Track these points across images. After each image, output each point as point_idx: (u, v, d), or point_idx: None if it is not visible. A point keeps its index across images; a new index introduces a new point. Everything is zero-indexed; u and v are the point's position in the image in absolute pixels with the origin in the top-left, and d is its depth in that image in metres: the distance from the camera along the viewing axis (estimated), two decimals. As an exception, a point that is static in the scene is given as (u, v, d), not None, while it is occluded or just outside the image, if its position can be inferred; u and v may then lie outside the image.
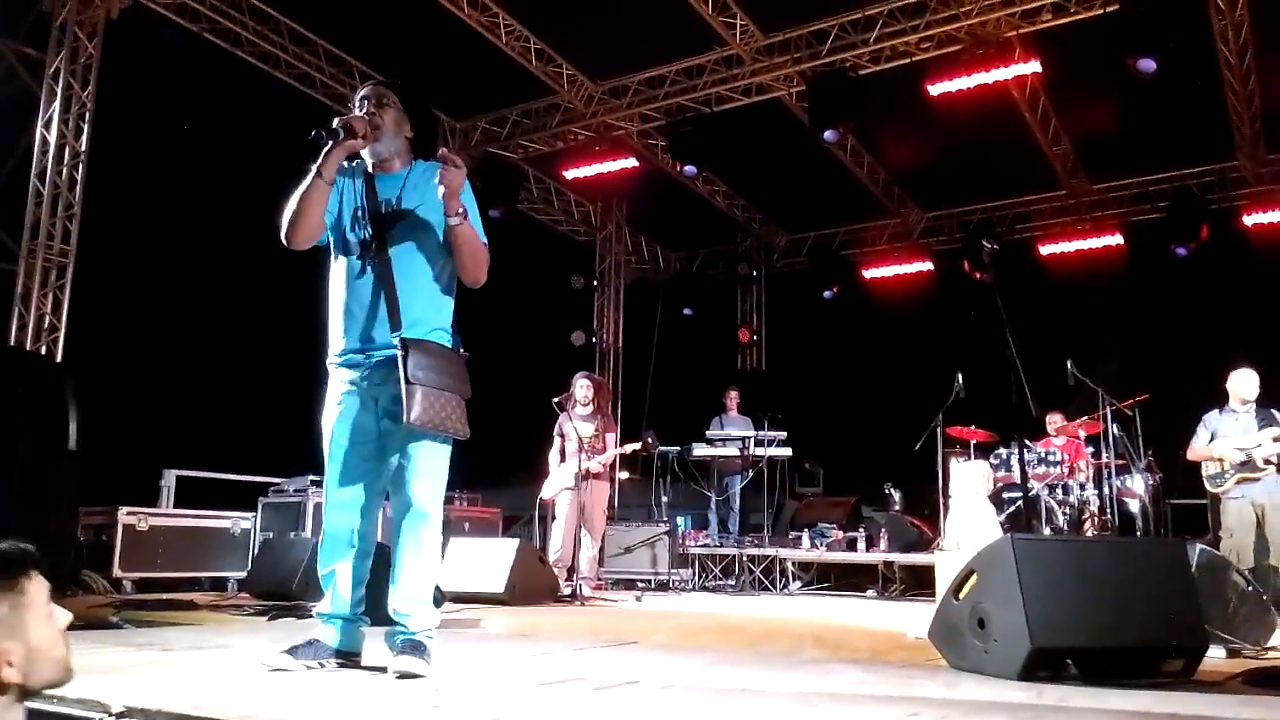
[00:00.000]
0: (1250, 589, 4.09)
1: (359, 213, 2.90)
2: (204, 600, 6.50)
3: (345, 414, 2.83)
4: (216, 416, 9.74)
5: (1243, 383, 6.44)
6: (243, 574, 8.03)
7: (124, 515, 7.63)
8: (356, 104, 2.95)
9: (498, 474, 12.85)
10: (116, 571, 7.47)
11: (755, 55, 9.37)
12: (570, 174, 11.41)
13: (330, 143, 2.73)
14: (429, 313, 2.87)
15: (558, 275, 13.27)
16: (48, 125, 8.25)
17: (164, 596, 6.58)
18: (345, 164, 2.94)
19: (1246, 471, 6.23)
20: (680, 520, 12.27)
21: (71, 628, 1.71)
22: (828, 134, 8.90)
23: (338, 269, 2.94)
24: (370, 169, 2.96)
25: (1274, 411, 6.30)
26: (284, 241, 2.84)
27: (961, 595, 2.94)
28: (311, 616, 3.06)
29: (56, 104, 8.26)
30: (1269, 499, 6.13)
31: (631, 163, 10.85)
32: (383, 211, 2.88)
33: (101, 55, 8.43)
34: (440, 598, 3.20)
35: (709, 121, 9.87)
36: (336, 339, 2.91)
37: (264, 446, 9.24)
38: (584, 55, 9.91)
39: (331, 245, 2.96)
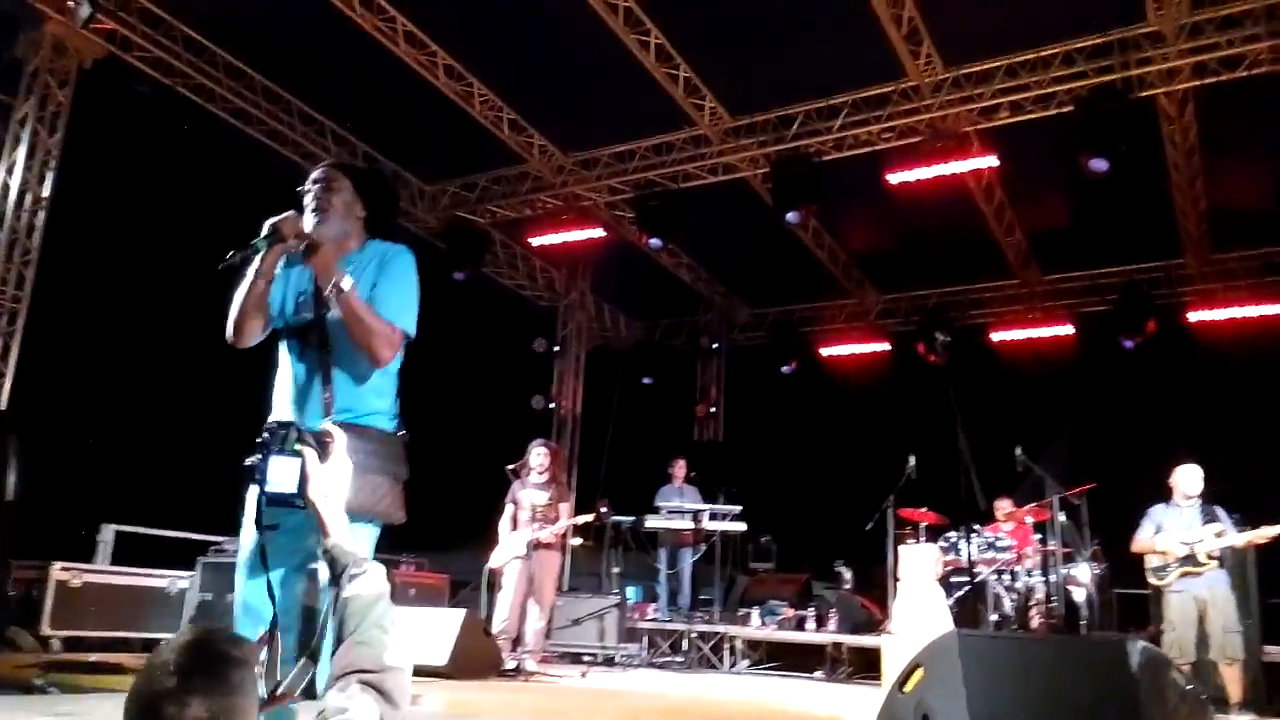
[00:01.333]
0: (1190, 688, 4.11)
1: (301, 297, 2.89)
2: (134, 663, 6.28)
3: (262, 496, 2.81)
4: (160, 471, 9.53)
5: (1187, 478, 6.58)
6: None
7: (57, 571, 7.39)
8: (307, 185, 2.94)
9: (448, 538, 12.66)
10: (46, 629, 7.21)
11: (723, 136, 9.59)
12: (537, 241, 11.51)
13: (262, 249, 2.74)
14: (367, 397, 2.84)
15: (519, 339, 13.29)
16: (10, 171, 8.19)
17: (92, 658, 6.35)
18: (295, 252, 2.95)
19: (1189, 566, 6.33)
20: (630, 591, 12.15)
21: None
22: (790, 215, 9.09)
23: (282, 351, 2.93)
24: None
25: (1216, 508, 6.43)
26: (230, 342, 2.82)
27: (907, 689, 2.93)
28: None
29: (21, 150, 8.21)
30: (1210, 594, 6.23)
31: (598, 232, 10.98)
32: (325, 295, 2.87)
33: (72, 104, 8.42)
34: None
35: (676, 197, 10.05)
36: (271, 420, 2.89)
37: (206, 503, 9.03)
38: (556, 127, 10.08)
39: (280, 333, 2.95)
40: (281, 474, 1.93)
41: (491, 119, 9.66)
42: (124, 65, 8.69)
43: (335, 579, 1.81)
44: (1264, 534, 6.28)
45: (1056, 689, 2.72)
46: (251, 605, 2.77)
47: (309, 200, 2.88)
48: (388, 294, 2.84)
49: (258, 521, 1.96)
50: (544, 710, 4.41)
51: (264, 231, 2.76)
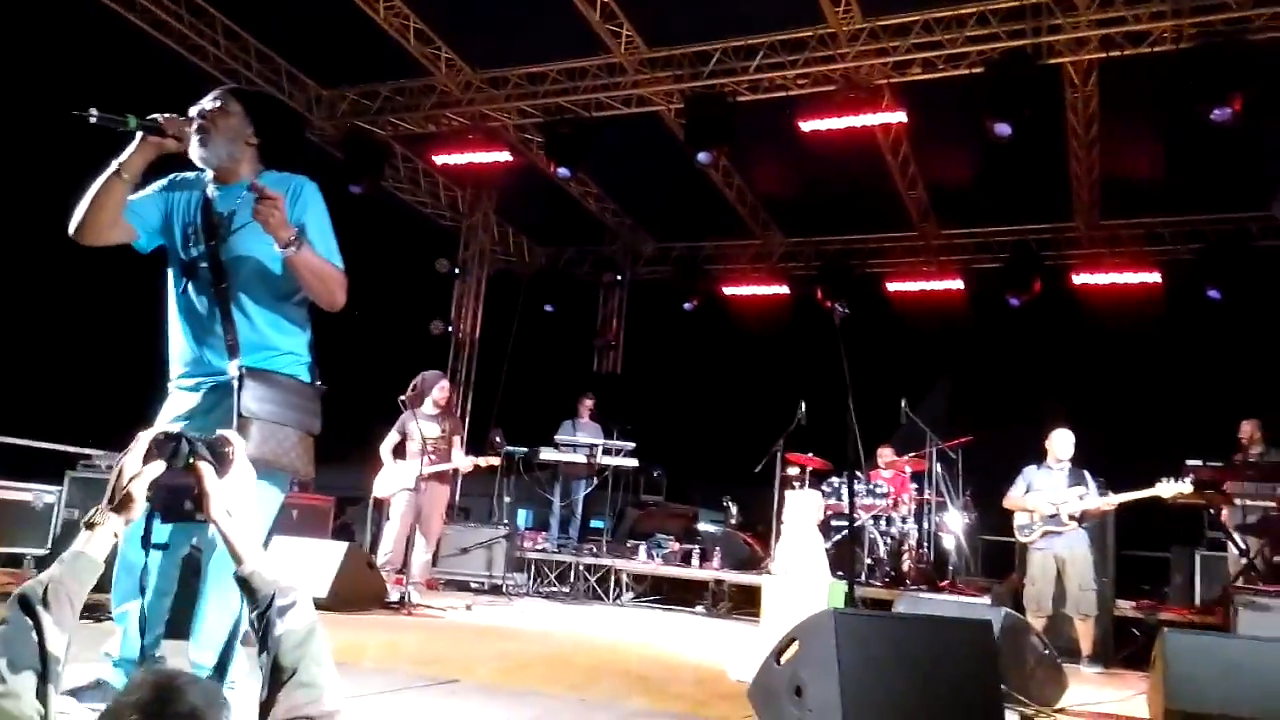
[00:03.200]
0: (1047, 652, 4.38)
1: (190, 228, 2.71)
2: (-8, 584, 6.00)
3: None
4: (26, 378, 9.03)
5: (1060, 442, 6.88)
6: (42, 551, 7.47)
7: (-91, 482, 6.97)
8: (196, 106, 2.74)
9: (335, 452, 12.41)
10: (-103, 544, 6.83)
11: (638, 67, 9.37)
12: (440, 159, 11.15)
13: (138, 135, 2.52)
14: (274, 336, 2.70)
15: (418, 258, 12.93)
16: None
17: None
18: (188, 176, 2.75)
19: (1052, 525, 6.67)
20: (521, 515, 12.23)
21: None
22: (701, 156, 8.99)
23: (171, 285, 2.74)
24: (210, 181, 2.76)
25: (1085, 472, 6.76)
26: (70, 234, 2.59)
27: (782, 660, 3.01)
28: (112, 619, 2.84)
29: None
30: (1069, 552, 6.58)
31: (505, 156, 10.69)
32: (218, 224, 2.68)
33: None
34: None
35: (586, 126, 9.82)
36: (174, 361, 2.72)
37: (75, 413, 8.63)
38: (465, 41, 9.66)
39: (168, 261, 2.76)
40: (175, 494, 1.71)
41: (398, 26, 9.20)
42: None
43: (261, 612, 1.64)
44: (1113, 501, 6.64)
45: (926, 670, 2.82)
46: (129, 560, 2.64)
47: (194, 123, 2.68)
48: (320, 235, 2.73)
49: (145, 540, 1.78)
50: (425, 655, 4.39)
51: (146, 117, 2.56)
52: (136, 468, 1.69)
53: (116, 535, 1.69)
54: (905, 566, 8.74)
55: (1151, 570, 9.39)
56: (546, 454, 10.10)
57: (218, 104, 2.73)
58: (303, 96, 10.66)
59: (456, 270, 12.93)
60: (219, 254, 2.65)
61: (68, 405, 8.65)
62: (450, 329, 12.69)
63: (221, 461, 1.75)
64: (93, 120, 2.44)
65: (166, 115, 2.60)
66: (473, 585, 9.16)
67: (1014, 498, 6.97)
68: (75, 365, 9.00)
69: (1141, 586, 8.86)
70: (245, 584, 1.70)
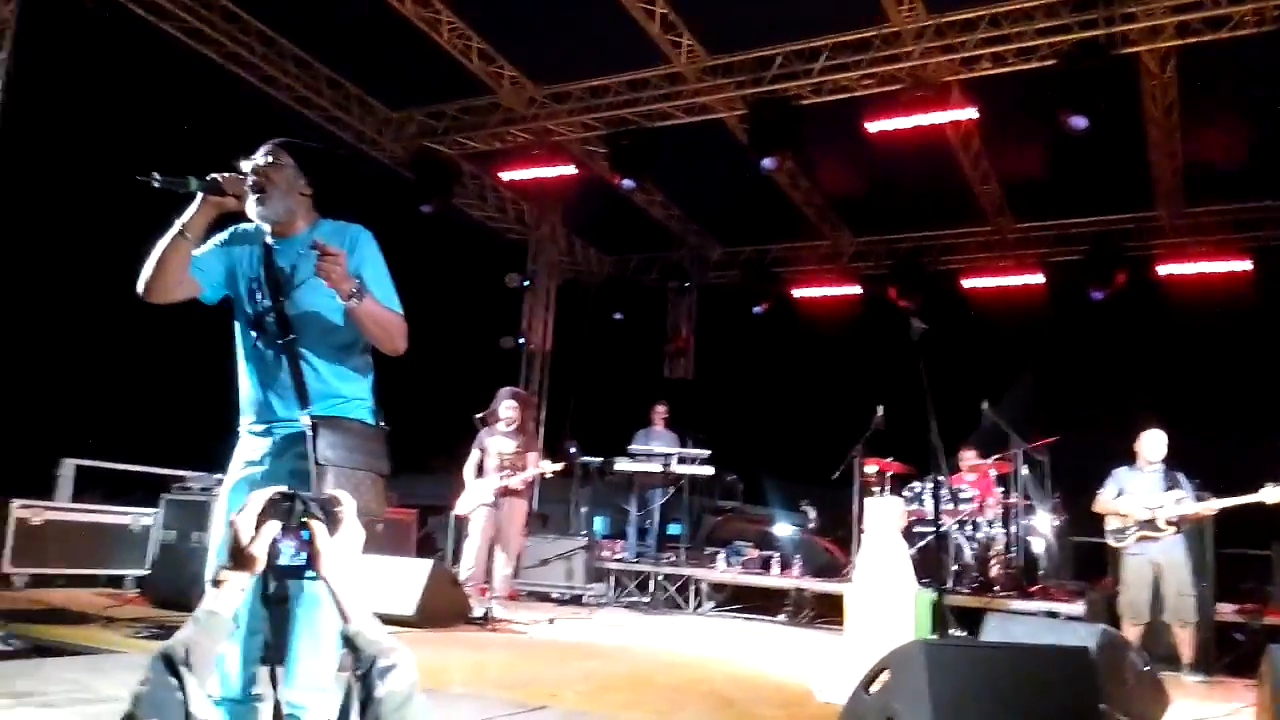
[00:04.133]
0: (1147, 668, 4.23)
1: (255, 283, 2.78)
2: (97, 605, 6.23)
3: (241, 485, 2.74)
4: (121, 403, 9.39)
5: (1151, 443, 6.65)
6: (141, 571, 7.76)
7: (17, 508, 7.29)
8: (249, 162, 2.81)
9: (416, 461, 12.67)
10: (7, 567, 7.16)
11: (699, 75, 9.34)
12: (507, 175, 11.27)
13: (199, 196, 2.61)
14: (340, 384, 2.76)
15: (488, 272, 13.10)
16: (-43, 91, 7.80)
17: (54, 602, 6.28)
18: (247, 228, 2.82)
19: (1148, 530, 6.44)
20: (598, 522, 12.29)
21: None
22: (766, 162, 8.93)
23: (239, 338, 2.83)
24: (269, 234, 2.83)
25: (1179, 474, 6.52)
26: (139, 293, 2.69)
27: (872, 690, 2.96)
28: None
29: (-33, 68, 7.81)
30: (1166, 558, 6.35)
31: (570, 169, 10.76)
32: (280, 279, 2.75)
33: (18, 20, 8.00)
34: None
35: (649, 135, 9.83)
36: (244, 408, 2.80)
37: (169, 436, 8.92)
38: (527, 58, 9.74)
39: (234, 313, 2.84)
40: (291, 550, 1.75)
41: (460, 48, 9.33)
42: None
43: (364, 673, 1.67)
44: (1213, 507, 6.40)
45: (1021, 701, 2.75)
46: None
47: (249, 180, 2.75)
48: (378, 282, 2.78)
49: (264, 595, 1.83)
50: (512, 678, 4.44)
51: (206, 178, 2.64)
52: (252, 525, 1.75)
53: (243, 590, 1.75)
54: (993, 572, 8.53)
55: (1252, 569, 9.00)
56: (621, 464, 10.13)
57: (270, 159, 2.78)
58: (372, 120, 10.88)
59: (527, 282, 13.06)
60: (284, 308, 2.72)
61: (161, 428, 8.95)
62: (521, 342, 12.81)
63: (333, 520, 1.79)
64: (156, 185, 2.53)
65: (225, 174, 2.68)
66: (554, 596, 9.24)
67: (1105, 501, 6.75)
68: (168, 389, 9.31)
69: (1241, 587, 8.50)
70: (350, 643, 1.74)
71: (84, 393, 9.20)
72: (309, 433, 2.60)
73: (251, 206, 2.74)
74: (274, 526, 1.75)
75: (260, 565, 1.74)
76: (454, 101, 10.70)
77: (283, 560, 1.75)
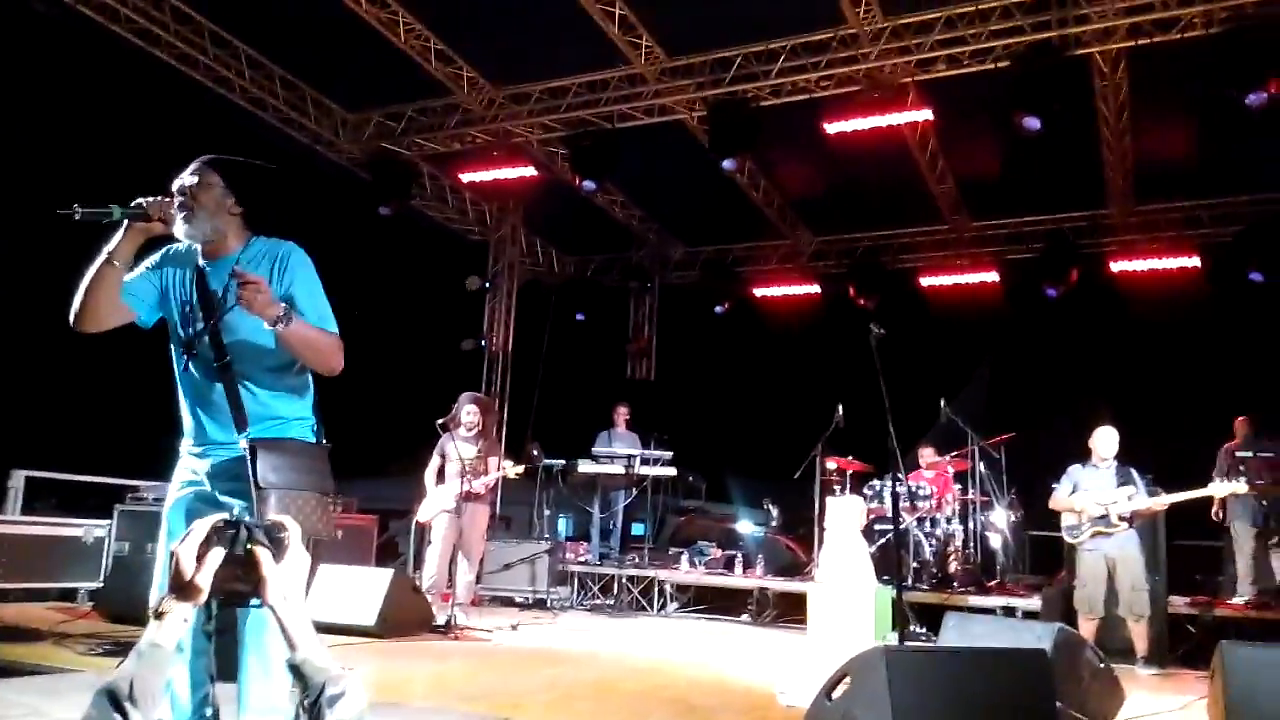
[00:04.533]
0: (1102, 665, 4.30)
1: (188, 306, 2.74)
2: (50, 621, 6.11)
3: (180, 504, 2.71)
4: (72, 414, 9.20)
5: (1105, 441, 6.77)
6: (94, 584, 7.62)
7: (-34, 523, 7.11)
8: (175, 184, 2.76)
9: (376, 465, 12.56)
10: (-41, 581, 6.97)
11: (659, 76, 9.34)
12: (466, 177, 11.20)
13: (117, 217, 2.56)
14: (278, 405, 2.73)
15: (448, 273, 13.02)
16: (-107, 95, 7.59)
17: (5, 618, 6.14)
18: (179, 248, 2.78)
19: (1102, 526, 6.56)
20: (561, 521, 12.26)
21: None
22: (726, 163, 8.97)
23: (175, 361, 2.78)
24: (201, 255, 2.78)
25: (1131, 470, 6.65)
26: (71, 325, 2.65)
27: (834, 697, 2.98)
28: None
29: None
30: (1120, 553, 6.48)
31: (530, 171, 10.72)
32: (213, 302, 2.70)
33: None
34: None
35: (609, 137, 9.81)
36: (185, 429, 2.77)
37: (122, 446, 8.74)
38: (485, 59, 9.68)
39: (169, 336, 2.80)
40: (234, 578, 1.73)
41: (418, 49, 9.24)
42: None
43: (312, 701, 1.63)
44: (1164, 501, 6.53)
45: (980, 704, 2.78)
46: None
47: (176, 200, 2.70)
48: (310, 302, 2.74)
49: (206, 626, 1.79)
50: (474, 689, 4.41)
51: (131, 204, 2.60)
52: (194, 555, 1.71)
53: (186, 620, 1.71)
54: (952, 568, 8.65)
55: (1203, 560, 9.20)
56: (585, 466, 10.11)
57: (196, 179, 2.73)
58: (329, 121, 10.75)
59: (487, 285, 12.99)
60: (218, 332, 2.67)
61: (114, 439, 8.78)
62: (482, 344, 12.74)
63: (278, 547, 1.76)
64: (78, 218, 2.49)
65: (150, 199, 2.64)
66: (517, 600, 9.21)
67: (1060, 499, 6.86)
68: (119, 398, 9.13)
69: (1194, 577, 8.69)
70: (297, 671, 1.70)
71: (34, 403, 8.99)
72: (248, 456, 2.56)
73: (180, 228, 2.69)
74: (217, 555, 1.71)
75: (204, 595, 1.70)
76: (412, 102, 10.60)
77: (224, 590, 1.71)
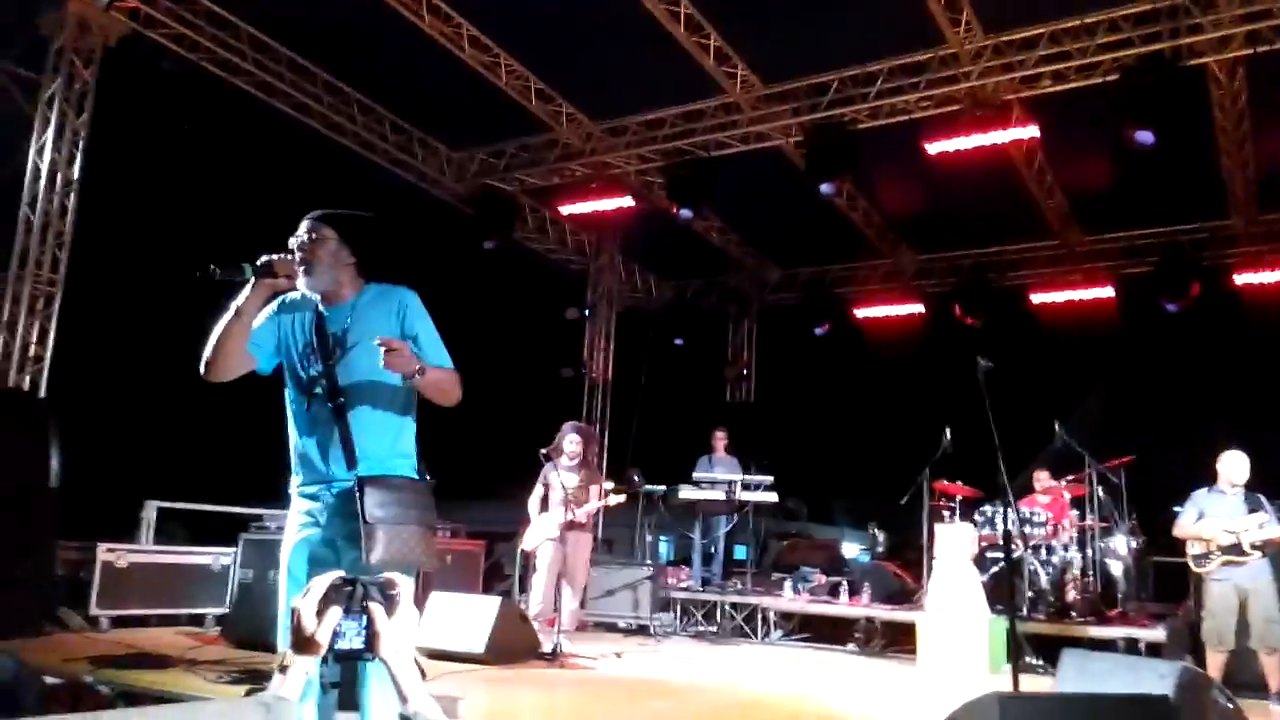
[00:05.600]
0: (1230, 706, 4.09)
1: (307, 348, 2.90)
2: (179, 647, 6.40)
3: (300, 546, 2.85)
4: (199, 445, 9.68)
5: (1233, 465, 6.45)
6: (221, 609, 7.97)
7: (103, 552, 7.52)
8: (292, 240, 2.92)
9: (483, 489, 12.82)
10: (94, 609, 7.37)
11: (755, 104, 9.38)
12: (566, 210, 11.41)
13: (249, 276, 2.73)
14: (386, 443, 2.87)
15: (550, 303, 13.28)
16: (40, 152, 8.18)
17: (138, 644, 6.46)
18: (294, 297, 2.95)
19: (1233, 555, 6.24)
20: (662, 545, 12.29)
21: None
22: (824, 188, 8.93)
23: (290, 402, 2.94)
24: (319, 302, 2.94)
25: (1261, 496, 6.32)
26: (201, 373, 2.84)
27: (945, 742, 2.92)
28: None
29: (50, 130, 8.19)
30: (1252, 584, 6.15)
31: (627, 201, 10.85)
32: (331, 345, 2.86)
33: (98, 82, 8.36)
34: None
35: (706, 165, 9.88)
36: (295, 470, 2.91)
37: (247, 475, 9.13)
38: (583, 95, 9.90)
39: (286, 379, 2.95)
40: (350, 634, 1.82)
41: (519, 89, 9.51)
42: (148, 41, 8.60)
43: None
44: None
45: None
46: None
47: (295, 256, 2.87)
48: (430, 343, 2.93)
49: (322, 681, 1.90)
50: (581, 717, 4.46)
51: (258, 262, 2.77)
52: (314, 611, 1.81)
53: (308, 673, 1.82)
54: (1070, 597, 8.31)
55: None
56: (686, 492, 10.12)
57: (312, 235, 2.90)
58: (434, 160, 11.12)
59: (587, 311, 13.19)
60: (335, 373, 2.82)
61: (237, 470, 9.20)
62: (582, 372, 12.91)
63: (390, 603, 1.85)
64: (216, 278, 2.68)
65: (276, 257, 2.82)
66: (620, 626, 9.25)
67: (1185, 526, 6.55)
68: (241, 433, 9.58)
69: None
70: None
71: (163, 438, 9.51)
72: (357, 493, 2.69)
73: (302, 282, 2.88)
74: (336, 612, 1.81)
75: (323, 649, 1.80)
76: (513, 140, 10.89)
77: (343, 644, 1.80)
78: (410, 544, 2.73)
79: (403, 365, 2.71)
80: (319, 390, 2.86)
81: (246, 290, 2.79)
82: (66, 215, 8.24)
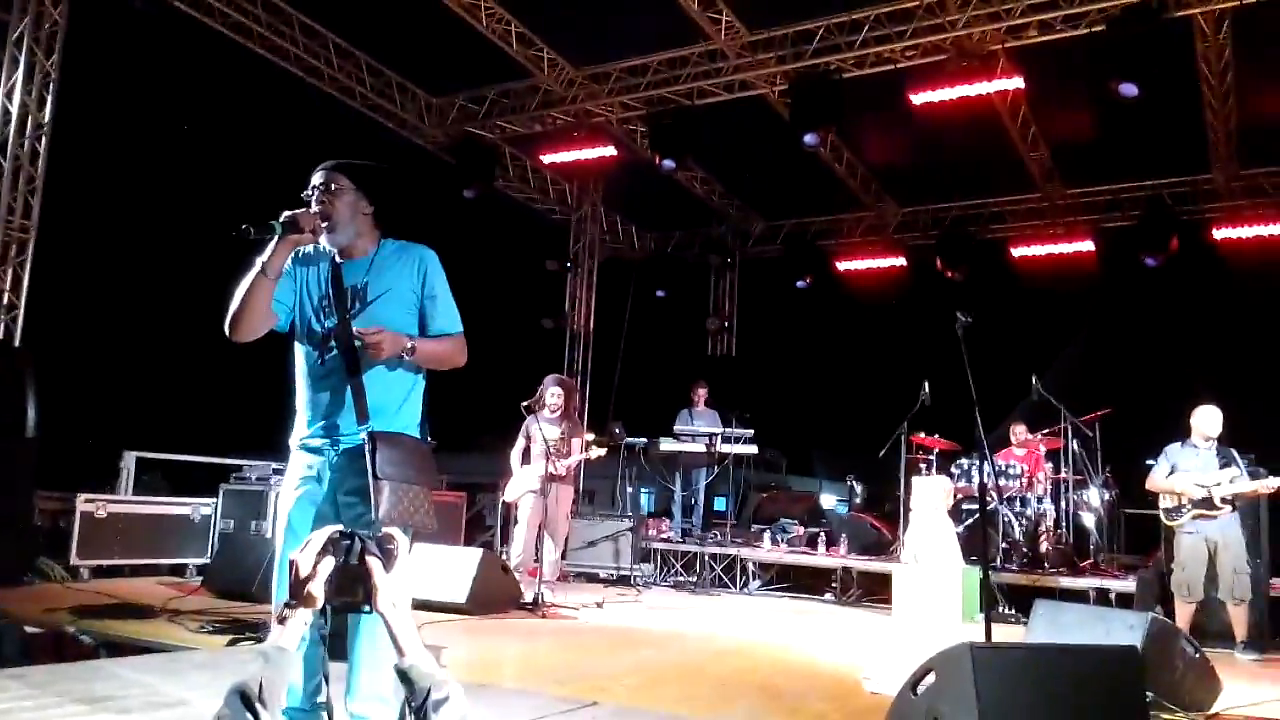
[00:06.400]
0: (1197, 655, 4.19)
1: (323, 301, 2.85)
2: (161, 597, 6.41)
3: (302, 501, 2.81)
4: (179, 396, 9.63)
5: (1206, 419, 6.51)
6: (202, 560, 7.99)
7: (82, 502, 7.49)
8: (308, 190, 2.86)
9: (463, 440, 12.86)
10: (74, 559, 7.36)
11: (739, 52, 9.25)
12: (548, 158, 11.30)
13: (278, 231, 2.68)
14: (397, 402, 2.84)
15: (531, 253, 13.20)
16: (9, 94, 7.99)
17: (120, 594, 6.47)
18: (308, 249, 2.89)
19: (1203, 508, 6.34)
20: (643, 498, 12.39)
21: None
22: (808, 138, 8.84)
23: (301, 355, 2.88)
24: (336, 255, 2.89)
25: (1232, 451, 6.40)
26: (226, 333, 2.78)
27: (919, 691, 2.98)
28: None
29: (20, 72, 7.99)
30: (1222, 536, 6.26)
31: (610, 151, 10.73)
32: (349, 299, 2.82)
33: (68, 23, 8.14)
34: None
35: (689, 114, 9.77)
36: (300, 424, 2.86)
37: (227, 426, 9.13)
38: (565, 40, 9.72)
39: (295, 332, 2.90)
40: (347, 587, 1.85)
41: (500, 32, 9.33)
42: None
43: (418, 705, 1.75)
44: (1270, 485, 6.25)
45: (1068, 702, 2.75)
46: None
47: (313, 208, 2.81)
48: (445, 305, 2.91)
49: (322, 633, 1.90)
50: (562, 671, 4.53)
51: (281, 218, 2.71)
52: (311, 564, 1.82)
53: (305, 624, 1.83)
54: (1043, 549, 8.46)
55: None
56: (666, 444, 10.18)
57: (329, 185, 2.84)
58: (414, 106, 10.94)
59: (569, 265, 13.11)
60: (350, 325, 2.78)
61: (218, 419, 9.17)
62: (563, 324, 12.87)
63: (388, 557, 1.86)
64: (250, 237, 2.65)
65: (300, 212, 2.75)
66: (602, 576, 9.34)
67: (1158, 480, 6.64)
68: (223, 380, 9.53)
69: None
70: (404, 676, 1.81)
71: (143, 386, 9.45)
72: (367, 447, 2.67)
73: (325, 237, 2.83)
74: (330, 564, 1.81)
75: (320, 602, 1.81)
76: (494, 86, 10.71)
77: (339, 599, 1.82)
78: (415, 504, 2.71)
79: (387, 351, 2.69)
80: (333, 344, 2.81)
81: (270, 246, 2.72)
82: (39, 160, 8.07)
